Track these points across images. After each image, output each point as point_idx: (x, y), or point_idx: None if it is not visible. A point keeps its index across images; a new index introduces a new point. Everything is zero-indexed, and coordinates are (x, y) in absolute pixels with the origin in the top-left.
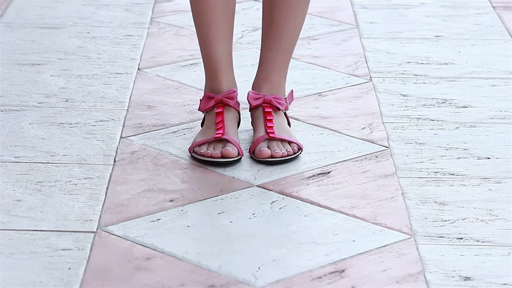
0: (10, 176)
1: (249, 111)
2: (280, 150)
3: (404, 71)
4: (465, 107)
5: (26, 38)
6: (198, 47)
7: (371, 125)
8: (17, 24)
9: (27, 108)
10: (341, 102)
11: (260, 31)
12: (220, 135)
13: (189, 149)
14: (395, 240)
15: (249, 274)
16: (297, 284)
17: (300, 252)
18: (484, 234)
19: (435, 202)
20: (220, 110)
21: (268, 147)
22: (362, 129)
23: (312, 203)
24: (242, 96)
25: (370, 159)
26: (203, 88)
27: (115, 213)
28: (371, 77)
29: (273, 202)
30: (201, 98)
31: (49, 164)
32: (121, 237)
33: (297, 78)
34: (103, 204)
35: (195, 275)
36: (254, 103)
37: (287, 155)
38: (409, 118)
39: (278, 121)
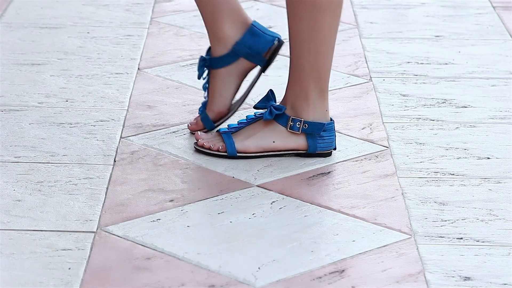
0: (10, 176)
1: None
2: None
3: (404, 71)
4: (465, 107)
5: (26, 38)
6: (198, 47)
7: (371, 125)
8: (17, 24)
9: (27, 108)
10: (341, 102)
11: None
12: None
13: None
14: (395, 240)
15: (249, 274)
16: (297, 284)
17: (300, 252)
18: (484, 234)
19: (435, 202)
20: None
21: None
22: (362, 129)
23: (312, 203)
24: (240, 95)
25: (370, 159)
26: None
27: (115, 213)
28: (371, 77)
29: (273, 202)
30: None
31: (49, 164)
32: (121, 237)
33: None
34: (103, 204)
35: (195, 275)
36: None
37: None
38: (409, 118)
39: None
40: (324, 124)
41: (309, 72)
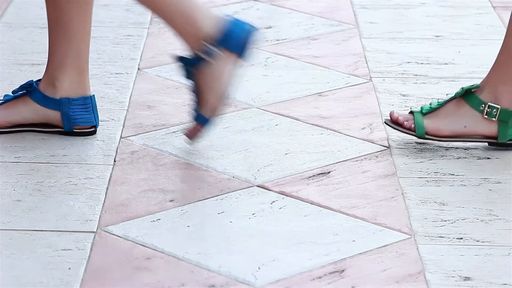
0: (10, 176)
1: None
2: (406, 121)
3: (404, 71)
4: None
5: (26, 38)
6: None
7: (371, 125)
8: (17, 24)
9: None
10: (341, 102)
11: (260, 31)
12: None
13: None
14: (395, 240)
15: (249, 274)
16: (297, 284)
17: (300, 252)
18: (484, 234)
19: (435, 202)
20: None
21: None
22: (362, 129)
23: (312, 203)
24: (236, 94)
25: (370, 159)
26: None
27: (115, 213)
28: (371, 77)
29: (273, 202)
30: None
31: (49, 164)
32: (121, 237)
33: (297, 78)
34: (103, 204)
35: (195, 275)
36: None
37: (401, 124)
38: None
39: None
40: None
41: None
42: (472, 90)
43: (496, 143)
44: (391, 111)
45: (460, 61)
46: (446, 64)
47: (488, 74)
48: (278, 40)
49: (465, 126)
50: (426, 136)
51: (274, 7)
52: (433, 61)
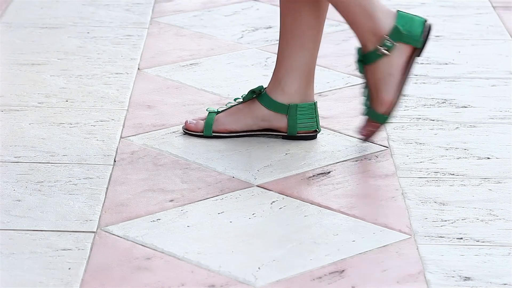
0: (10, 176)
1: None
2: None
3: None
4: (465, 107)
5: (26, 38)
6: (198, 47)
7: None
8: (17, 24)
9: (27, 108)
10: (341, 102)
11: (260, 31)
12: None
13: None
14: (395, 240)
15: (249, 274)
16: (297, 284)
17: (300, 252)
18: (484, 234)
19: (435, 202)
20: None
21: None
22: None
23: (312, 203)
24: (237, 94)
25: (370, 159)
26: (203, 88)
27: (115, 213)
28: None
29: (273, 202)
30: None
31: (49, 164)
32: (121, 237)
33: None
34: (103, 204)
35: (195, 275)
36: None
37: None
38: (409, 118)
39: None
40: None
41: None
42: (262, 91)
43: (287, 136)
44: (186, 121)
45: (460, 61)
46: (446, 64)
47: (276, 67)
48: (278, 40)
49: (259, 122)
50: (213, 134)
51: (274, 7)
52: (433, 61)
